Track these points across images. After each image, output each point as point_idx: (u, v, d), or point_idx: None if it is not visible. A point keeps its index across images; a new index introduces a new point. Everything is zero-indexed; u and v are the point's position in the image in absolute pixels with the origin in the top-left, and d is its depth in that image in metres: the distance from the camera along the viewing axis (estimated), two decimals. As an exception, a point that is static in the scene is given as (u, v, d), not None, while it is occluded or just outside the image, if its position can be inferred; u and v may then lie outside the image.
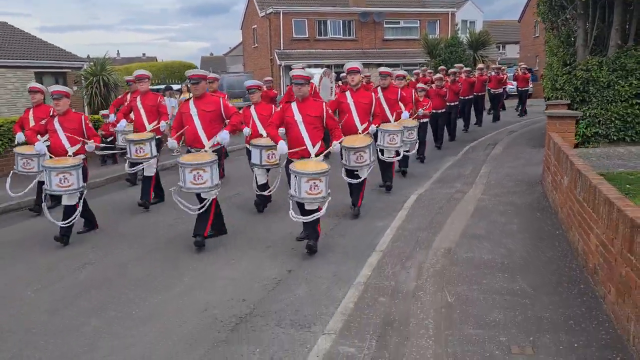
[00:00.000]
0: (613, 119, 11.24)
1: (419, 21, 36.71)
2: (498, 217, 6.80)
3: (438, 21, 37.01)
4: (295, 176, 5.77)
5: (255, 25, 37.39)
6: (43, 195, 6.90)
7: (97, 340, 4.20)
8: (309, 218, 5.81)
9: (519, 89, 19.78)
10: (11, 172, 8.07)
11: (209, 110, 6.56)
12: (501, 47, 50.60)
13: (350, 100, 7.54)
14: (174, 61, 36.31)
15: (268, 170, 8.05)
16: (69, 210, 6.65)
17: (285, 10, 33.89)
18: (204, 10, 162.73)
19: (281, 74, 33.07)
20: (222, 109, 6.65)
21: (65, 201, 6.64)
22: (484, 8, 56.63)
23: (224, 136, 6.42)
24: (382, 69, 9.31)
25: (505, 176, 9.45)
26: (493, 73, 18.03)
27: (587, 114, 11.47)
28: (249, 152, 8.31)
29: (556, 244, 5.63)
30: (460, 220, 6.79)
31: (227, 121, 6.65)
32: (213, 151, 6.45)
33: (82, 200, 6.82)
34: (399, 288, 4.74)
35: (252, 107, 8.26)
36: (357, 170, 7.39)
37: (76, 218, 6.68)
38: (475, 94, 16.34)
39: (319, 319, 4.32)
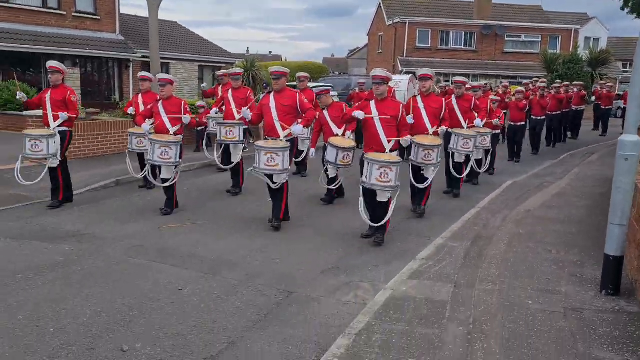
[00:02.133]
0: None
1: (540, 36, 37.80)
2: (572, 198, 9.10)
3: (560, 37, 37.83)
4: (368, 163, 6.32)
5: (382, 33, 40.31)
6: (148, 166, 8.27)
7: (270, 245, 7.20)
8: (377, 224, 6.50)
9: (602, 107, 19.90)
10: (127, 150, 9.51)
11: (286, 105, 7.22)
12: (628, 65, 49.61)
13: (421, 104, 8.00)
14: (307, 62, 40.27)
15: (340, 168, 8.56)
16: (166, 186, 7.81)
17: (411, 21, 36.48)
18: (328, 12, 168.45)
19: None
20: (297, 104, 7.25)
21: (163, 173, 7.80)
22: (613, 24, 55.29)
23: (295, 129, 7.12)
24: (456, 78, 9.93)
25: (590, 175, 11.54)
26: (576, 90, 18.51)
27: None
28: (325, 149, 8.57)
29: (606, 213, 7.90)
30: (542, 197, 9.18)
31: (303, 115, 7.27)
32: (287, 140, 7.17)
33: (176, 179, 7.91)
34: (488, 224, 7.34)
35: (325, 110, 8.86)
36: (422, 170, 7.90)
37: (174, 182, 7.83)
38: (563, 110, 16.85)
39: (437, 233, 6.99)
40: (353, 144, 8.41)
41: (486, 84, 15.86)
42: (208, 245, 6.44)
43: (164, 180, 7.80)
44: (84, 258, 5.82)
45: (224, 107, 9.78)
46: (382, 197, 6.48)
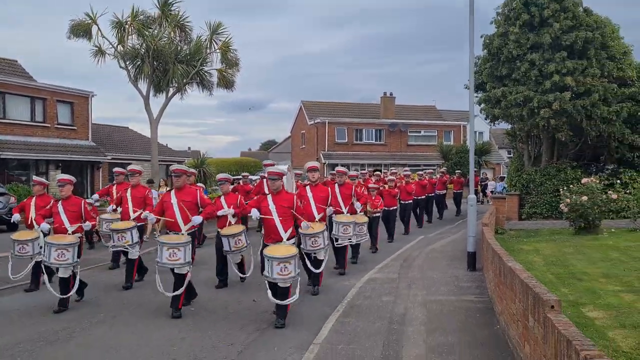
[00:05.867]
0: (544, 204, 18.87)
1: (436, 131, 45.54)
2: (459, 243, 14.27)
3: (452, 131, 45.76)
4: (268, 260, 6.72)
5: (304, 131, 46.54)
6: (43, 267, 7.93)
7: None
8: (283, 302, 6.78)
9: (454, 191, 22.77)
10: (9, 255, 8.92)
11: (187, 200, 7.63)
12: (512, 152, 59.09)
13: (309, 193, 8.80)
14: (242, 158, 45.53)
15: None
16: (63, 283, 7.68)
17: (330, 121, 42.97)
18: (238, 107, 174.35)
19: (325, 170, 41.60)
20: (198, 200, 7.78)
21: (61, 273, 7.67)
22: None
23: (196, 219, 7.55)
24: (338, 168, 10.72)
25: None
26: (438, 176, 21.49)
27: (530, 201, 19.18)
28: (218, 238, 9.15)
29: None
30: (442, 243, 14.47)
31: (201, 209, 7.80)
32: (188, 234, 7.51)
33: (77, 275, 7.82)
34: (411, 255, 12.35)
35: (222, 197, 9.48)
36: (315, 254, 8.47)
37: (73, 291, 7.82)
38: (427, 194, 19.07)
39: (382, 260, 11.82)
40: (241, 227, 9.18)
41: (364, 173, 17.23)
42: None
43: (62, 280, 7.74)
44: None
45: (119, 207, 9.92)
46: (283, 284, 6.88)
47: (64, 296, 7.67)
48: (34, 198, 9.41)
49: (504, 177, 28.95)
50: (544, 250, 11.91)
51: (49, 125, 25.36)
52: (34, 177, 10.06)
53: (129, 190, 9.73)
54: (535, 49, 17.99)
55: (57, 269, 7.72)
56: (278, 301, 6.78)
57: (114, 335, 6.62)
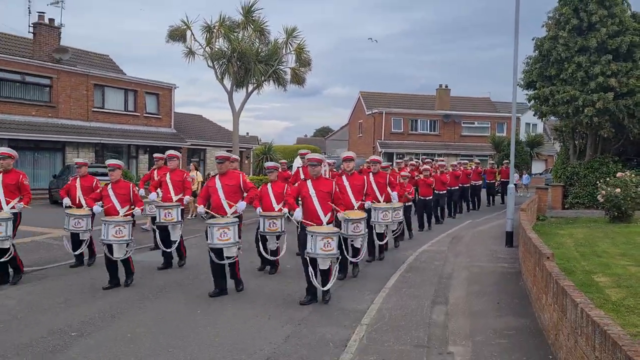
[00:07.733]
0: (586, 194, 20.48)
1: (490, 122, 46.78)
2: (504, 226, 16.40)
3: (505, 123, 46.81)
4: (312, 235, 6.97)
5: (361, 120, 48.74)
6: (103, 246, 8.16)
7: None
8: (325, 287, 7.21)
9: (487, 182, 22.74)
10: (64, 230, 9.53)
11: (231, 185, 7.92)
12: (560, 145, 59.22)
13: (346, 182, 8.90)
14: (302, 145, 48.29)
15: (277, 237, 9.14)
16: (125, 265, 8.29)
17: (387, 111, 45.00)
18: (294, 93, 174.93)
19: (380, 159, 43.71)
20: (241, 184, 8.02)
21: (115, 252, 8.02)
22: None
23: (240, 205, 7.82)
24: (372, 157, 10.97)
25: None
26: (474, 167, 21.79)
27: (573, 192, 20.85)
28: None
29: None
30: (486, 226, 16.54)
31: (245, 194, 8.04)
32: (234, 217, 7.82)
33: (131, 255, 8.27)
34: (459, 234, 14.54)
35: (269, 184, 9.39)
36: (352, 240, 8.75)
37: (128, 256, 8.27)
38: (461, 184, 18.89)
39: (434, 237, 14.04)
40: (281, 213, 9.12)
41: (399, 162, 17.56)
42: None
43: (122, 262, 8.23)
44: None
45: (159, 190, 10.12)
46: (323, 265, 7.18)
47: (128, 281, 8.34)
48: (78, 179, 9.87)
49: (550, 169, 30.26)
50: (577, 234, 13.79)
51: (138, 114, 28.71)
52: (77, 160, 10.41)
53: (168, 175, 9.93)
54: (583, 52, 19.53)
55: (112, 250, 8.06)
56: (320, 287, 7.22)
57: (163, 313, 6.97)
